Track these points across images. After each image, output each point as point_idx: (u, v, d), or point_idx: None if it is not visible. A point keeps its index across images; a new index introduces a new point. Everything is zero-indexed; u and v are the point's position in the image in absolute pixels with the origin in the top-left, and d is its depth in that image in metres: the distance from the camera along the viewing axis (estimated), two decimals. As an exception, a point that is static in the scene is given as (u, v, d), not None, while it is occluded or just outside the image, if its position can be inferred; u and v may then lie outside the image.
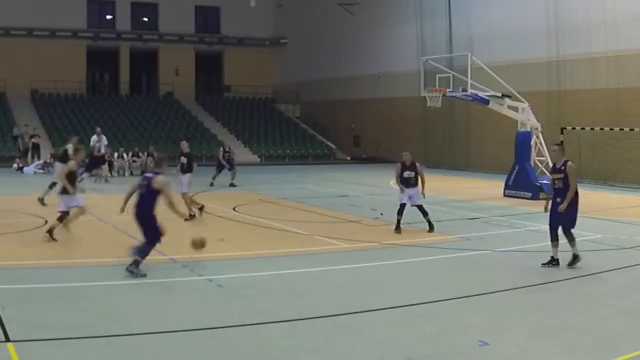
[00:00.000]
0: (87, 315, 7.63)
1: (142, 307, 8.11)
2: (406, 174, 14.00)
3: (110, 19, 44.52)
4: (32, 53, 40.11)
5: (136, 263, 9.51)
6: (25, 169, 28.56)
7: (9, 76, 39.07)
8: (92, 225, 14.32)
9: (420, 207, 14.10)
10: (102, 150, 26.01)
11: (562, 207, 10.41)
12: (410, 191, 13.96)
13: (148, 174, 10.29)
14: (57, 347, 6.61)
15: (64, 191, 12.41)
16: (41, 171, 28.32)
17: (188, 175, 15.94)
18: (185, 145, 16.53)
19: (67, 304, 8.07)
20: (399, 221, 13.85)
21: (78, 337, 6.85)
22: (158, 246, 11.77)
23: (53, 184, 16.53)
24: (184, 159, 16.13)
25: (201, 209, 15.71)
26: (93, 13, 43.70)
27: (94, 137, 26.24)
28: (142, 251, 9.68)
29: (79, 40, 42.82)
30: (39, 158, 30.07)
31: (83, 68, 43.72)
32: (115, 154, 28.12)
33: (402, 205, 13.91)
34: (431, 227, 14.00)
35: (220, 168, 24.51)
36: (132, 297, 8.56)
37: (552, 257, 10.63)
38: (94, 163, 25.35)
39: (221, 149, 25.27)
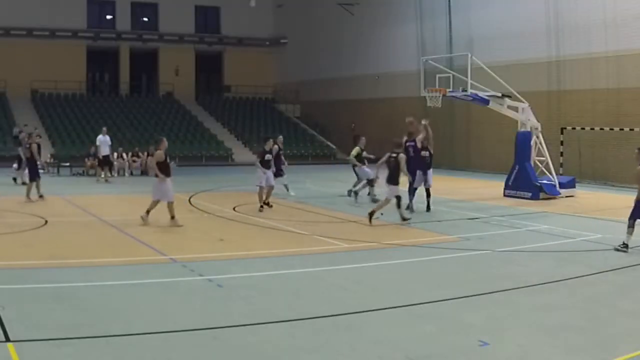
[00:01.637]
0: (87, 315, 7.62)
1: (142, 307, 8.11)
2: (422, 153, 17.16)
3: (110, 19, 44.52)
4: (32, 53, 40.12)
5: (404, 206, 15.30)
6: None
7: (9, 76, 39.08)
8: (92, 225, 14.34)
9: (427, 189, 16.98)
10: (107, 151, 25.93)
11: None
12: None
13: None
14: (57, 347, 6.61)
15: (392, 181, 14.98)
16: (41, 171, 28.27)
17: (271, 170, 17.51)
18: (270, 144, 17.76)
19: (67, 304, 8.06)
20: (410, 201, 16.73)
21: (78, 337, 6.85)
22: (158, 246, 11.84)
23: (371, 181, 18.93)
24: (269, 156, 17.46)
25: (268, 204, 17.25)
26: (93, 13, 43.69)
27: (100, 137, 26.16)
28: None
29: (79, 40, 42.83)
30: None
31: (83, 68, 43.72)
32: (115, 154, 28.09)
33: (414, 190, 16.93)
34: (428, 208, 16.79)
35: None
36: (132, 297, 8.56)
37: (623, 241, 11.93)
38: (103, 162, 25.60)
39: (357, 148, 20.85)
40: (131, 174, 28.34)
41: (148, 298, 8.61)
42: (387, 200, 15.06)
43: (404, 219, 14.97)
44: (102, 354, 6.46)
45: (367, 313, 7.94)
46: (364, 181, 19.88)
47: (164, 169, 14.35)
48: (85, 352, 6.51)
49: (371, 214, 14.76)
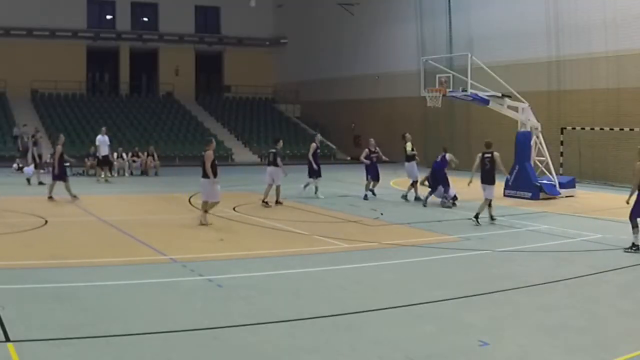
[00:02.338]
0: (87, 315, 7.63)
1: (142, 307, 8.11)
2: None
3: (110, 19, 44.50)
4: (32, 53, 40.09)
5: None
6: (25, 169, 28.47)
7: (9, 76, 39.05)
8: (92, 225, 14.34)
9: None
10: (106, 151, 25.88)
11: (627, 199, 12.13)
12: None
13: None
14: (57, 347, 6.61)
15: (490, 181, 15.38)
16: (41, 171, 28.28)
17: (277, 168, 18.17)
18: (281, 144, 19.12)
19: (67, 304, 8.07)
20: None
21: (78, 337, 6.85)
22: (158, 246, 11.84)
23: (415, 183, 19.21)
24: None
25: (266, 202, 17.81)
26: (93, 13, 43.67)
27: (99, 137, 26.11)
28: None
29: (79, 40, 42.80)
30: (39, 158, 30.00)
31: (83, 68, 43.68)
32: (115, 154, 28.08)
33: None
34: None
35: (372, 173, 19.93)
36: (132, 297, 8.57)
37: (633, 242, 11.87)
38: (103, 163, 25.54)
39: (366, 150, 20.29)
40: (131, 174, 28.31)
41: (148, 298, 8.61)
42: (487, 200, 15.25)
43: (493, 218, 15.24)
44: (102, 354, 6.46)
45: (367, 313, 7.94)
46: (371, 181, 19.87)
47: (213, 169, 14.37)
48: (85, 352, 6.51)
49: (491, 217, 15.08)
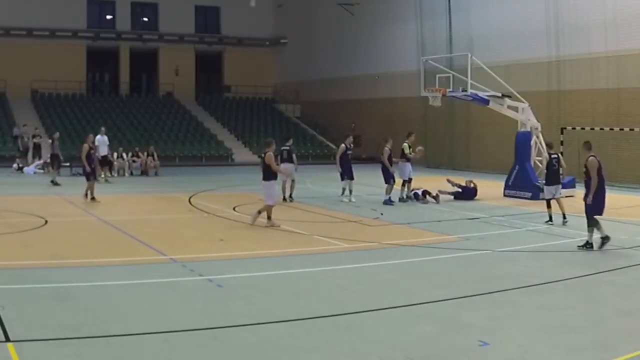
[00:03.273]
0: (87, 315, 7.63)
1: (142, 307, 8.11)
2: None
3: (110, 19, 44.51)
4: (32, 53, 40.09)
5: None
6: (25, 169, 28.55)
7: (9, 76, 39.06)
8: (92, 225, 14.34)
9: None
10: (105, 151, 25.85)
11: (588, 199, 11.87)
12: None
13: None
14: (57, 347, 6.61)
15: (557, 181, 15.60)
16: (41, 171, 28.31)
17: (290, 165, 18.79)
18: (290, 142, 19.48)
19: (67, 304, 8.07)
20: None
21: (78, 337, 6.85)
22: (158, 246, 11.84)
23: (409, 181, 19.37)
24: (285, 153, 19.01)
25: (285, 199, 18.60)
26: (93, 13, 43.67)
27: (99, 137, 26.07)
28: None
29: (79, 40, 42.80)
30: (39, 158, 30.06)
31: (83, 68, 43.68)
32: (115, 154, 28.07)
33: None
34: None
35: (388, 174, 18.83)
36: (132, 297, 8.57)
37: (587, 241, 11.97)
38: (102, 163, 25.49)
39: (386, 149, 19.05)
40: (131, 174, 28.31)
41: (148, 298, 8.61)
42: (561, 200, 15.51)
43: (564, 221, 15.13)
44: (102, 354, 6.46)
45: (367, 313, 7.94)
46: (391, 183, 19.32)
47: (273, 171, 14.37)
48: (85, 352, 6.51)
49: (564, 217, 15.13)
